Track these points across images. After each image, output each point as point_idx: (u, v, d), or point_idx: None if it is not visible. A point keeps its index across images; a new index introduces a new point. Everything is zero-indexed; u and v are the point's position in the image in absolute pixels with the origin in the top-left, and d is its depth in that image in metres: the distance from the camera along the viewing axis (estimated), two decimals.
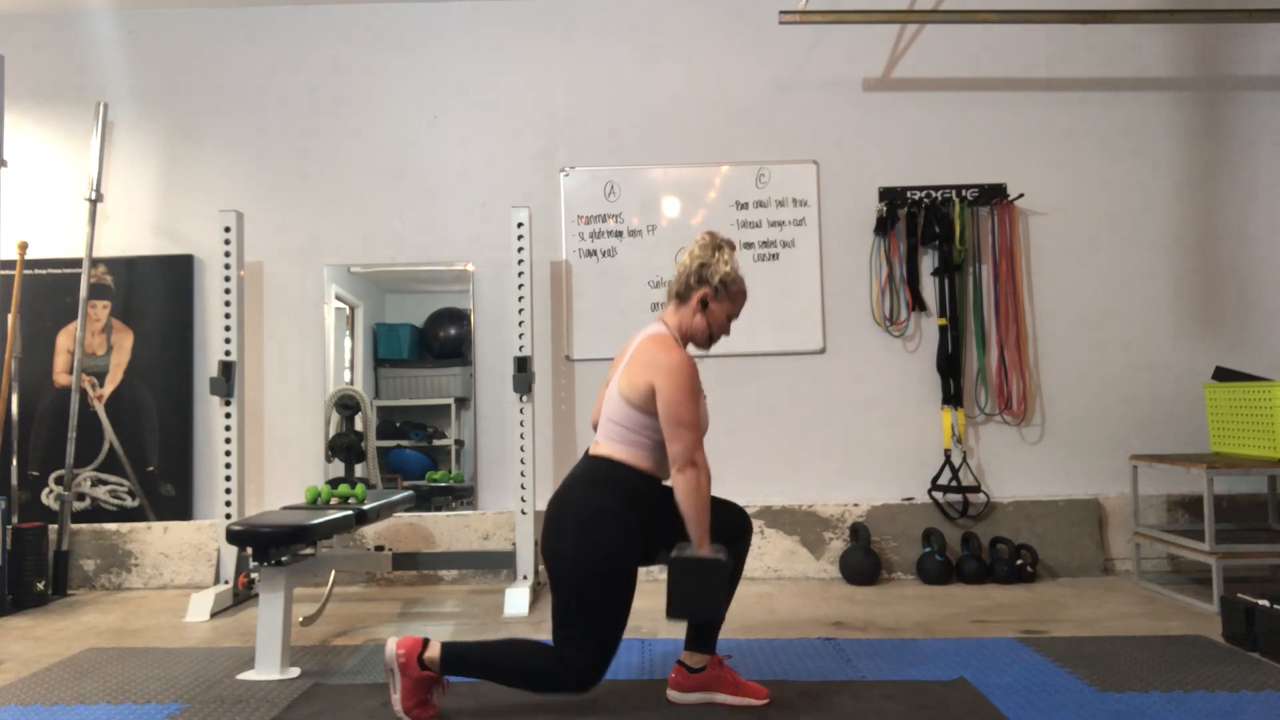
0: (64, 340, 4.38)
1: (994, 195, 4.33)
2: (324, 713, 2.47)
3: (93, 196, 4.33)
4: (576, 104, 4.45)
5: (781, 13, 4.09)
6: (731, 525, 2.53)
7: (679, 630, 3.27)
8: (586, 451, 2.51)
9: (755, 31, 4.42)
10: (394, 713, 2.35)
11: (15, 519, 4.18)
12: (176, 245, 4.44)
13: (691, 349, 2.57)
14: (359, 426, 4.40)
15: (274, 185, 4.45)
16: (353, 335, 4.49)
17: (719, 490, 4.23)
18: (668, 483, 2.42)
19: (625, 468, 2.40)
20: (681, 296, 2.52)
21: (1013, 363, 4.27)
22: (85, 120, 4.44)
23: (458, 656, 2.37)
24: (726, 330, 2.57)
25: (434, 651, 2.36)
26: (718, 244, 2.51)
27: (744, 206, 4.37)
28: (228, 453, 3.91)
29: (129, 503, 4.31)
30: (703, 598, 2.31)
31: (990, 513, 4.18)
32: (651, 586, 4.07)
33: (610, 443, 2.44)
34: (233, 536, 2.78)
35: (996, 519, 4.17)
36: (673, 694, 2.50)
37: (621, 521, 2.35)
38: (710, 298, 2.49)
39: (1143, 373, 4.31)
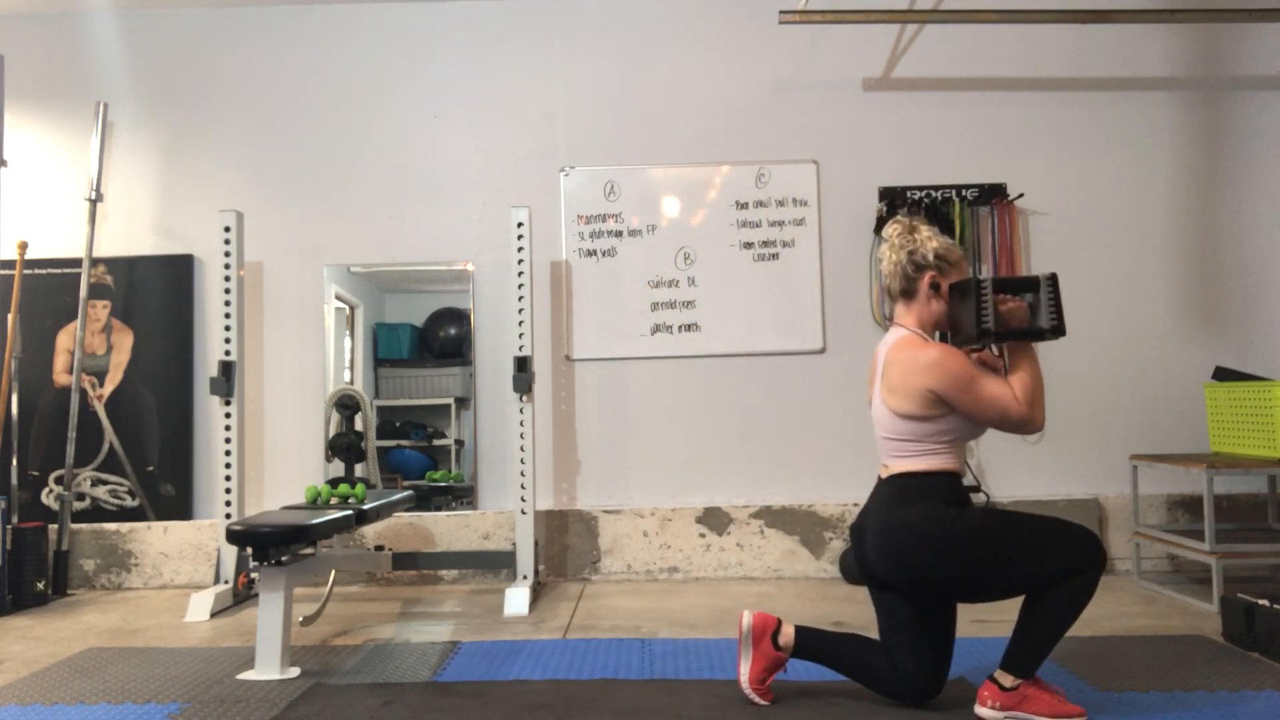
0: (64, 340, 4.38)
1: (994, 195, 4.33)
2: (324, 713, 2.47)
3: (93, 196, 4.33)
4: (576, 104, 4.45)
5: (781, 13, 4.09)
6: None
7: (680, 630, 3.28)
8: (879, 479, 2.44)
9: (755, 31, 4.42)
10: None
11: (15, 519, 4.18)
12: (176, 245, 4.44)
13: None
14: (359, 426, 4.40)
15: (274, 185, 4.45)
16: (353, 335, 4.49)
17: (720, 491, 4.24)
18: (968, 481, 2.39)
19: (930, 475, 2.34)
20: (907, 293, 2.43)
21: None
22: (85, 120, 4.44)
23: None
24: None
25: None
26: (911, 227, 2.44)
27: (744, 206, 4.37)
28: (228, 453, 3.91)
29: (129, 502, 4.31)
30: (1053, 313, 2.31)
31: None
32: (652, 587, 4.07)
33: (904, 460, 2.37)
34: (233, 536, 2.78)
35: None
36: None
37: (955, 512, 2.30)
38: (937, 278, 2.41)
39: (1143, 373, 4.31)
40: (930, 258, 2.40)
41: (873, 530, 2.38)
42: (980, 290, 2.30)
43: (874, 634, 2.47)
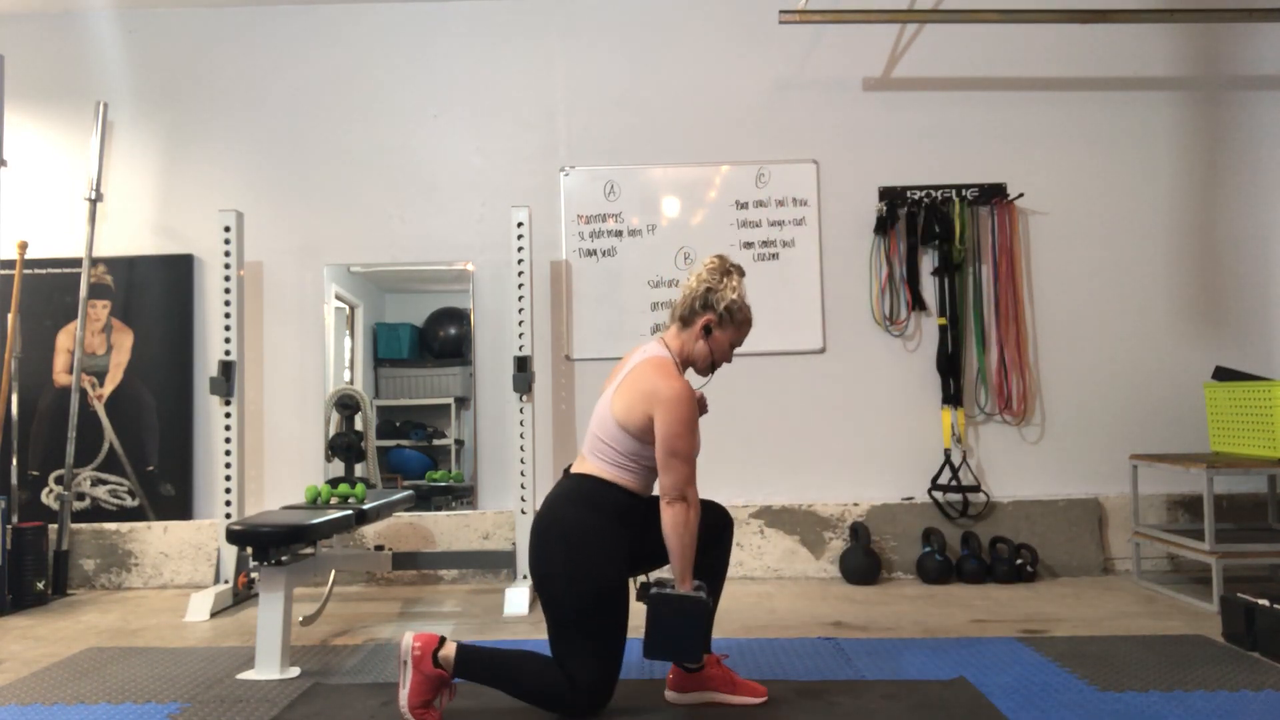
0: (64, 340, 4.38)
1: (994, 195, 4.33)
2: (324, 712, 2.47)
3: (93, 196, 4.33)
4: (576, 104, 4.45)
5: (781, 12, 4.09)
6: (711, 522, 2.49)
7: None
8: (568, 469, 2.49)
9: (755, 31, 4.42)
10: (398, 708, 2.31)
11: (15, 518, 4.18)
12: (176, 245, 4.44)
13: (690, 375, 2.53)
14: (359, 426, 4.40)
15: (274, 185, 4.45)
16: (353, 335, 4.49)
17: (720, 491, 4.24)
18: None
19: (614, 488, 2.38)
20: (685, 320, 2.48)
21: (1013, 362, 4.27)
22: (85, 120, 4.44)
23: (472, 659, 2.35)
24: (728, 358, 2.53)
25: (449, 650, 2.33)
26: (726, 269, 2.48)
27: (744, 206, 4.37)
28: (228, 452, 3.91)
29: (129, 502, 4.31)
30: (682, 637, 2.31)
31: (990, 512, 4.18)
32: None
33: (598, 461, 2.41)
34: (233, 536, 2.78)
35: (996, 518, 4.17)
36: (670, 695, 2.50)
37: (611, 540, 2.33)
38: (715, 324, 2.46)
39: (1143, 373, 4.31)
40: (720, 306, 2.45)
41: (537, 519, 2.41)
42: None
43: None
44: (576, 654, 2.31)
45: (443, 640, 2.34)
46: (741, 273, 2.50)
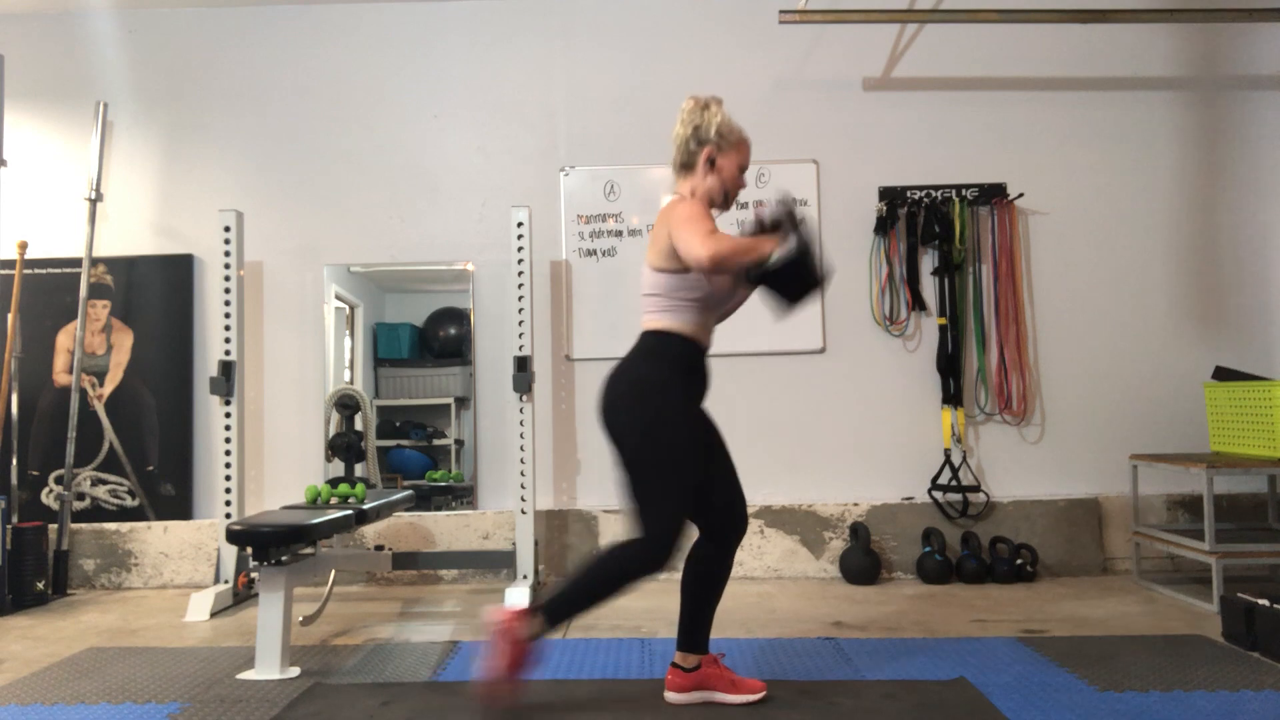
0: (64, 340, 4.38)
1: (994, 195, 4.33)
2: (324, 712, 2.47)
3: (93, 196, 4.33)
4: (576, 104, 4.44)
5: (781, 12, 4.09)
6: (709, 571, 2.53)
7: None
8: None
9: (755, 31, 4.42)
10: (483, 682, 2.36)
11: (15, 518, 4.18)
12: (176, 245, 4.44)
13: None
14: (359, 426, 4.40)
15: (274, 185, 4.45)
16: (353, 335, 4.49)
17: None
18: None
19: (671, 335, 2.40)
20: (686, 165, 2.50)
21: (1013, 362, 4.27)
22: (85, 120, 4.44)
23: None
24: (740, 183, 2.52)
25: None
26: (704, 103, 2.49)
27: (744, 206, 4.37)
28: (228, 452, 3.91)
29: (129, 502, 4.31)
30: (805, 273, 2.30)
31: (990, 512, 4.18)
32: (651, 587, 4.07)
33: (649, 315, 2.44)
34: (233, 536, 2.78)
35: (996, 518, 4.17)
36: (670, 695, 2.50)
37: (672, 387, 2.37)
38: (716, 153, 2.47)
39: (1143, 372, 4.31)
40: (712, 134, 2.46)
41: (610, 377, 2.44)
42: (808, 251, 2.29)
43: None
44: (652, 503, 2.34)
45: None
46: (719, 101, 2.51)
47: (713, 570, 2.50)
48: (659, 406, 2.36)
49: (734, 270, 2.30)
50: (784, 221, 2.33)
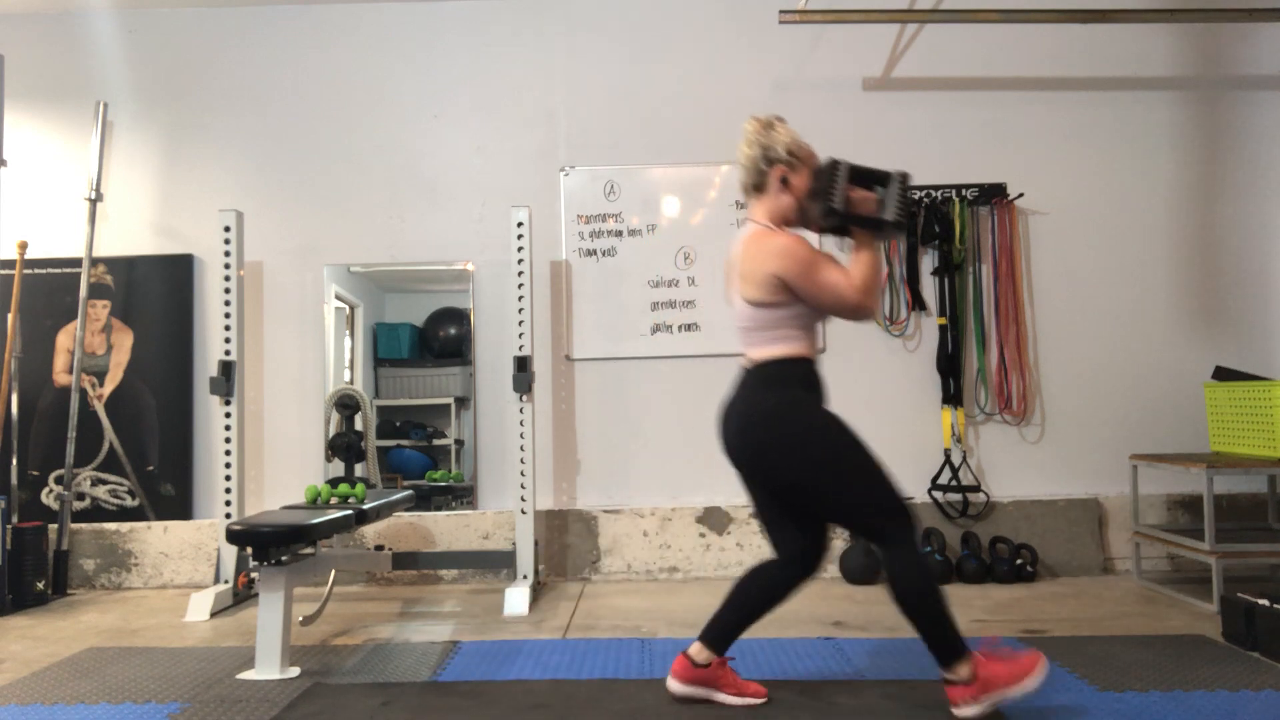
0: (64, 340, 4.38)
1: (994, 195, 4.33)
2: (324, 712, 2.47)
3: (93, 196, 4.33)
4: (576, 104, 4.45)
5: (781, 12, 4.09)
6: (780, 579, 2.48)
7: (679, 630, 3.28)
8: (742, 369, 2.49)
9: (755, 31, 4.42)
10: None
11: (15, 518, 4.18)
12: (176, 245, 4.44)
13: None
14: (359, 426, 4.40)
15: (274, 185, 4.45)
16: (353, 335, 4.49)
17: (720, 491, 4.24)
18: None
19: (786, 361, 2.38)
20: (758, 187, 2.50)
21: (1013, 362, 4.27)
22: (85, 120, 4.44)
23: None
24: None
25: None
26: (768, 123, 2.49)
27: (744, 206, 4.36)
28: (228, 452, 3.91)
29: (129, 502, 4.31)
30: (889, 199, 2.37)
31: (990, 512, 4.18)
32: (652, 587, 4.07)
33: (760, 348, 2.42)
34: (233, 536, 2.78)
35: (996, 518, 4.17)
36: (673, 684, 2.49)
37: (803, 400, 2.36)
38: (788, 172, 2.46)
39: (1143, 373, 4.31)
40: (782, 153, 2.46)
41: (735, 415, 2.42)
42: (834, 172, 2.37)
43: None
44: (860, 500, 2.31)
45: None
46: (782, 119, 2.51)
47: (777, 593, 2.46)
48: (805, 423, 2.33)
49: (871, 280, 2.35)
50: (891, 182, 2.37)
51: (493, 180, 4.43)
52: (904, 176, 2.38)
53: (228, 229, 3.99)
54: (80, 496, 4.30)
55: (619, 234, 4.39)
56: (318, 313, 4.40)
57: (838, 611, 3.53)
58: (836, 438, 2.33)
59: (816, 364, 2.45)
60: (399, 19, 4.48)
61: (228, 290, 3.96)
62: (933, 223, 4.28)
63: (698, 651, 2.48)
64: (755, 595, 2.46)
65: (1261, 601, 2.89)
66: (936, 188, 4.34)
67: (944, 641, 2.28)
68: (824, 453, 2.32)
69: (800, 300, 2.36)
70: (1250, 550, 3.46)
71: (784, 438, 2.33)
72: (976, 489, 4.20)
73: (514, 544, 3.91)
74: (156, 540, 4.25)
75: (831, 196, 2.35)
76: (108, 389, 4.36)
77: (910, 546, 2.29)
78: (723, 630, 2.48)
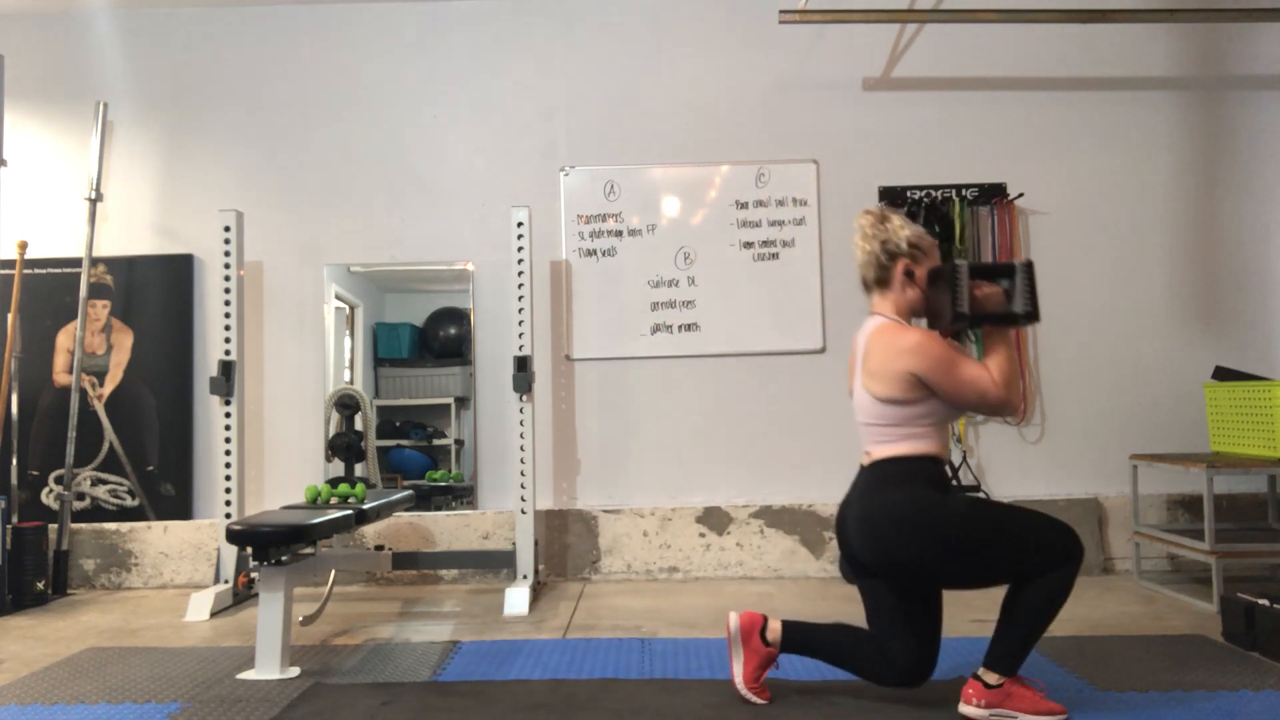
0: (64, 340, 4.38)
1: (994, 195, 4.33)
2: (324, 712, 2.47)
3: (93, 196, 4.33)
4: (576, 103, 4.45)
5: (781, 12, 4.09)
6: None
7: (679, 630, 3.28)
8: (861, 466, 2.45)
9: (755, 31, 4.42)
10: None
11: (15, 518, 4.18)
12: (176, 245, 4.44)
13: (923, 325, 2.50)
14: (359, 426, 4.40)
15: (274, 185, 4.45)
16: (353, 335, 4.49)
17: (720, 491, 4.24)
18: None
19: (913, 460, 2.34)
20: (881, 282, 2.46)
21: None
22: (85, 120, 4.44)
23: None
24: None
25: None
26: (881, 216, 2.46)
27: (744, 206, 4.37)
28: (228, 452, 3.91)
29: (129, 502, 4.31)
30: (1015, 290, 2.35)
31: None
32: (652, 587, 4.07)
33: (886, 445, 2.37)
34: (233, 536, 2.78)
35: None
36: (740, 687, 2.49)
37: (929, 496, 2.30)
38: (912, 266, 2.43)
39: (1143, 373, 4.31)
40: (904, 246, 2.42)
41: (855, 516, 2.39)
42: (956, 275, 2.33)
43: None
44: (1025, 548, 2.26)
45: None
46: (894, 210, 2.49)
47: (868, 667, 2.42)
48: (937, 518, 2.27)
49: (1010, 370, 2.33)
50: (1016, 273, 2.34)
51: (493, 180, 4.43)
52: (1028, 265, 2.35)
53: (228, 229, 3.99)
54: (80, 496, 4.30)
55: (619, 234, 4.39)
56: (318, 313, 4.40)
57: (838, 611, 3.53)
58: (975, 516, 2.27)
59: (944, 462, 2.39)
60: (399, 19, 4.48)
61: (228, 290, 3.96)
62: (933, 222, 4.28)
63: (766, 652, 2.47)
64: (847, 651, 2.44)
65: (1261, 601, 2.89)
66: (936, 188, 4.34)
67: (1016, 650, 2.29)
68: (969, 541, 2.26)
69: (935, 397, 2.32)
70: (1250, 550, 3.46)
71: (922, 540, 2.27)
72: (977, 489, 4.20)
73: (514, 544, 3.91)
74: (156, 540, 4.25)
75: (959, 301, 2.32)
76: (108, 389, 4.36)
77: (1074, 570, 2.26)
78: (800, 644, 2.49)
